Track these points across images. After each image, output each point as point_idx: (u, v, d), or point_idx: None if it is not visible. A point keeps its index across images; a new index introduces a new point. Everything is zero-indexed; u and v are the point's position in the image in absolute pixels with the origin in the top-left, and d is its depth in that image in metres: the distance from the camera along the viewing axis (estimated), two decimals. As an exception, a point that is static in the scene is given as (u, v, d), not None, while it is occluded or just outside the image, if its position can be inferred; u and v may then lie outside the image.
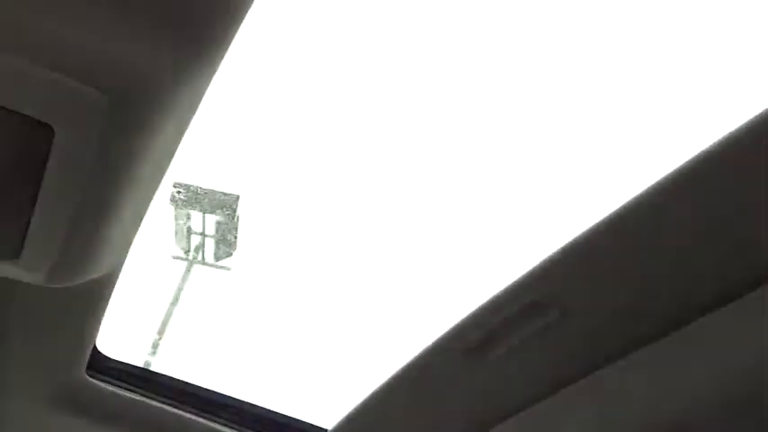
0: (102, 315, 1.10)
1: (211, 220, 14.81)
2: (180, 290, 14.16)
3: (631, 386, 1.01)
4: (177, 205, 14.43)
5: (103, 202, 0.77)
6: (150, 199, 0.88)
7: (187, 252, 14.81)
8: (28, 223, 0.77)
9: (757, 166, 0.73)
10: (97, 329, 1.14)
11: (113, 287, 1.04)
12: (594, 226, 0.88)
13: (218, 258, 14.91)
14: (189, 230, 14.72)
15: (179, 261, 14.98)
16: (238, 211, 14.65)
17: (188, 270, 14.56)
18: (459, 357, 1.11)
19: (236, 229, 14.72)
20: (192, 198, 14.48)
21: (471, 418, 1.19)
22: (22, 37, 0.60)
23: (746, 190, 0.75)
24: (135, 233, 0.94)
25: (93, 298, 1.04)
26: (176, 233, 14.88)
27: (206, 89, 0.71)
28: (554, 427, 1.13)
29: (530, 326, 1.02)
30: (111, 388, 1.29)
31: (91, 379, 1.27)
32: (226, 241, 14.77)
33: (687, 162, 0.78)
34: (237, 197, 14.38)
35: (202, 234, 14.66)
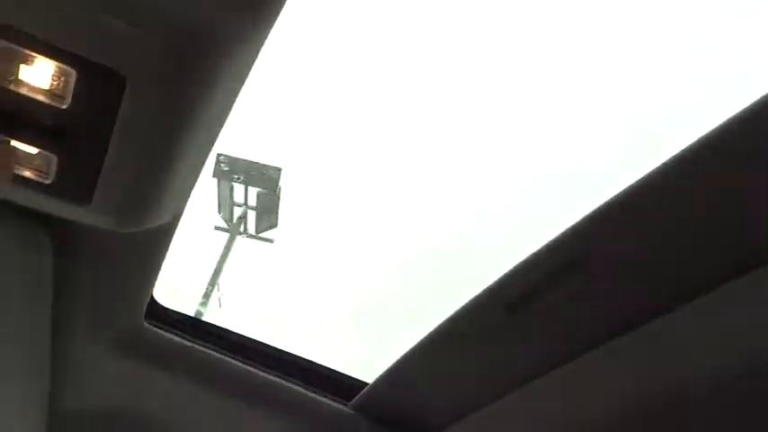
0: (161, 263, 1.17)
1: (253, 192, 14.99)
2: (223, 261, 14.42)
3: (664, 348, 1.04)
4: (220, 177, 14.63)
5: (168, 150, 0.83)
6: (209, 150, 0.93)
7: (230, 223, 15.06)
8: (99, 170, 0.83)
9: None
10: (156, 277, 1.21)
11: (172, 236, 1.10)
12: (627, 190, 0.91)
13: (260, 230, 15.12)
14: (231, 202, 14.96)
15: (221, 232, 15.25)
16: (281, 184, 14.82)
17: (231, 241, 14.80)
18: (499, 313, 1.15)
19: (278, 201, 14.89)
20: (234, 170, 14.67)
21: (509, 373, 1.24)
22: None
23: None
24: (194, 183, 1.00)
25: (154, 246, 1.11)
26: (219, 204, 15.13)
27: (263, 43, 0.76)
28: (590, 384, 1.16)
29: (566, 285, 1.05)
30: (167, 335, 1.37)
31: (149, 326, 1.35)
32: (268, 213, 14.95)
33: (710, 133, 0.80)
34: (280, 170, 14.54)
35: (245, 205, 14.88)
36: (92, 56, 0.70)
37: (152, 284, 1.25)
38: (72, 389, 1.41)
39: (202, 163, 0.97)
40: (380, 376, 1.41)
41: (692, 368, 1.02)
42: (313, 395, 1.47)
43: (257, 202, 14.82)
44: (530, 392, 1.21)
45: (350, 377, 1.51)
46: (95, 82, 0.72)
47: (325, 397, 1.49)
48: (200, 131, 0.84)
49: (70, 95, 0.73)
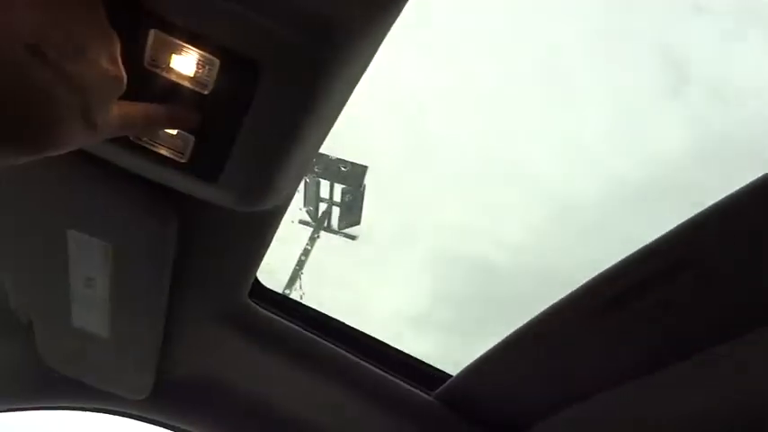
0: (269, 243, 1.24)
1: (338, 188, 15.26)
2: (306, 254, 14.76)
3: (750, 365, 1.03)
4: (308, 172, 14.98)
5: (292, 137, 0.90)
6: (324, 138, 1.00)
7: (314, 218, 15.40)
8: (229, 152, 0.91)
9: None
10: (262, 256, 1.29)
11: (282, 218, 1.18)
12: (721, 203, 0.91)
13: (343, 227, 15.41)
14: (317, 197, 15.28)
15: (305, 226, 15.61)
16: (365, 182, 15.05)
17: (315, 236, 15.13)
18: (590, 313, 1.16)
19: (362, 198, 15.14)
20: (321, 166, 14.99)
21: (596, 375, 1.25)
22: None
23: None
24: (307, 169, 1.08)
25: (265, 226, 1.18)
26: (305, 199, 15.50)
27: (387, 32, 0.81)
28: (680, 393, 1.16)
29: (660, 291, 1.06)
30: (268, 314, 1.46)
31: (252, 303, 1.44)
32: (352, 210, 15.21)
33: None
34: (366, 168, 14.77)
35: (330, 201, 15.18)
36: (234, 46, 0.77)
37: (258, 263, 1.33)
38: (175, 356, 1.53)
39: (317, 150, 1.04)
40: (466, 368, 1.45)
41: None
42: (398, 381, 1.53)
43: (342, 199, 15.12)
44: (616, 396, 1.22)
45: (435, 368, 1.55)
46: (236, 71, 0.80)
47: (410, 385, 1.54)
48: (322, 120, 0.91)
49: (212, 82, 0.81)
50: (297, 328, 1.48)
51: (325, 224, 15.18)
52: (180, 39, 0.78)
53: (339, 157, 14.91)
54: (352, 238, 15.61)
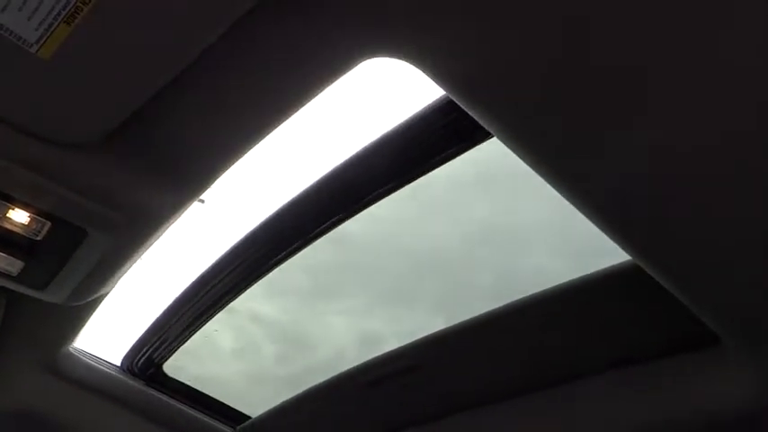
0: (92, 313, 1.42)
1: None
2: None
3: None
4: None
5: (114, 259, 1.10)
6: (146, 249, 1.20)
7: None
8: (56, 274, 1.09)
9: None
10: (84, 324, 1.47)
11: (101, 301, 1.36)
12: (452, 327, 1.25)
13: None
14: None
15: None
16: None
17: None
18: (360, 386, 1.47)
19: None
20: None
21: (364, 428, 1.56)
22: (75, 178, 0.92)
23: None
24: (123, 271, 1.27)
25: (89, 305, 1.36)
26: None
27: (181, 213, 1.05)
28: None
29: (402, 378, 1.39)
30: (89, 362, 1.63)
31: (74, 353, 1.61)
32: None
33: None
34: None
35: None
36: (65, 217, 0.96)
37: (85, 322, 1.50)
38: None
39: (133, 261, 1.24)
40: (266, 412, 1.71)
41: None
42: (207, 420, 1.76)
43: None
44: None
45: (237, 410, 1.81)
46: (64, 230, 0.98)
47: (218, 421, 1.78)
48: (129, 261, 1.12)
49: (43, 234, 0.99)
50: (115, 374, 1.66)
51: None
52: (18, 207, 0.95)
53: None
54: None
